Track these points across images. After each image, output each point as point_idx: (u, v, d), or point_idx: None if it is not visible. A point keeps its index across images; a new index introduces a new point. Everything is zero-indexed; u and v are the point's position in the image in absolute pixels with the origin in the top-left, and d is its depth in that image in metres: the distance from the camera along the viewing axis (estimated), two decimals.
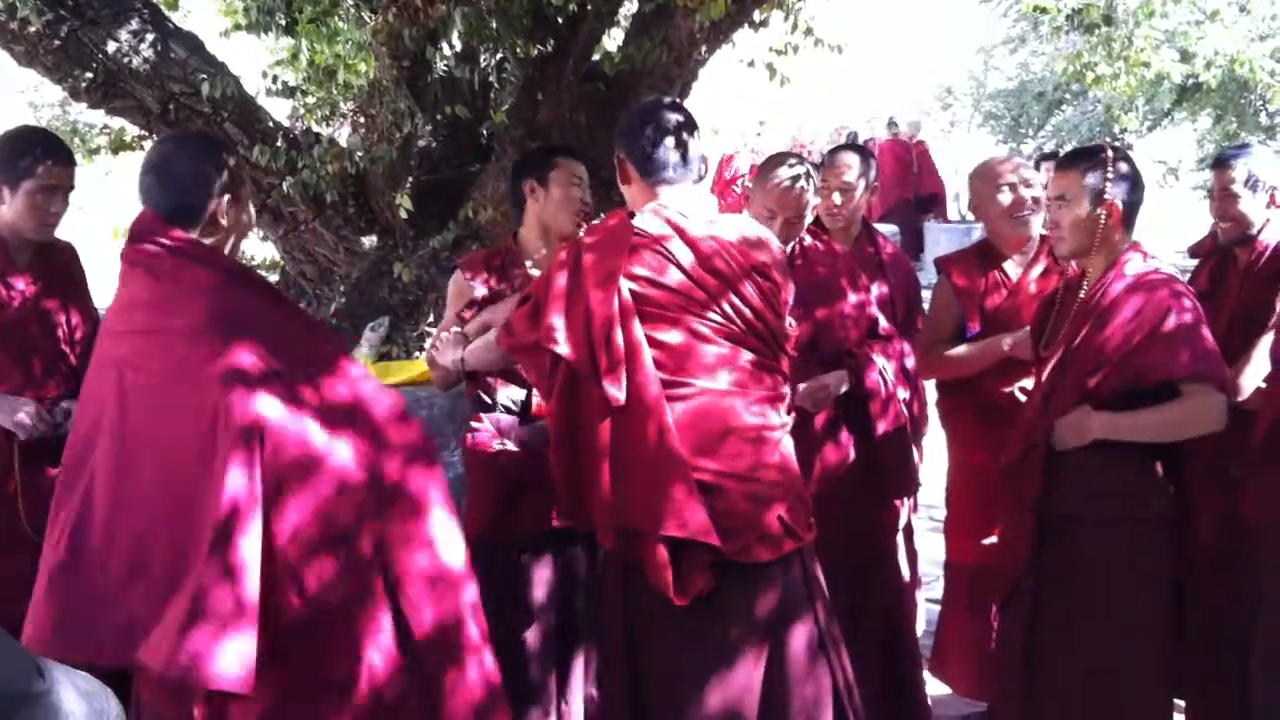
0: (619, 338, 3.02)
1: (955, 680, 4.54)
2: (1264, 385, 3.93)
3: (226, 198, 2.97)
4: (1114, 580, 3.48)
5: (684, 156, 3.26)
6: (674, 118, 3.27)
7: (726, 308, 3.12)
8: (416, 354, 5.23)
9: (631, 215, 3.20)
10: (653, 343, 3.05)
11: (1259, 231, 4.16)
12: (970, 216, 20.73)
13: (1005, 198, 4.31)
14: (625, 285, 3.05)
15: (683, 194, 3.26)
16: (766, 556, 3.07)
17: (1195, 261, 4.67)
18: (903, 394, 4.24)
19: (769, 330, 3.19)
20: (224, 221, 2.97)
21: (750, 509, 3.06)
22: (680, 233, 3.13)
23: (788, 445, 3.23)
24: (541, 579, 3.90)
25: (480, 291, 3.98)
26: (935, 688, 4.58)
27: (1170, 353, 3.40)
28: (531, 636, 3.88)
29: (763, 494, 3.09)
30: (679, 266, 3.10)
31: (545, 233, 4.05)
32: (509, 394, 3.93)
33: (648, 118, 3.28)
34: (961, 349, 4.32)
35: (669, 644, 3.09)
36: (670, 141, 3.24)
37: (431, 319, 5.43)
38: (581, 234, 3.54)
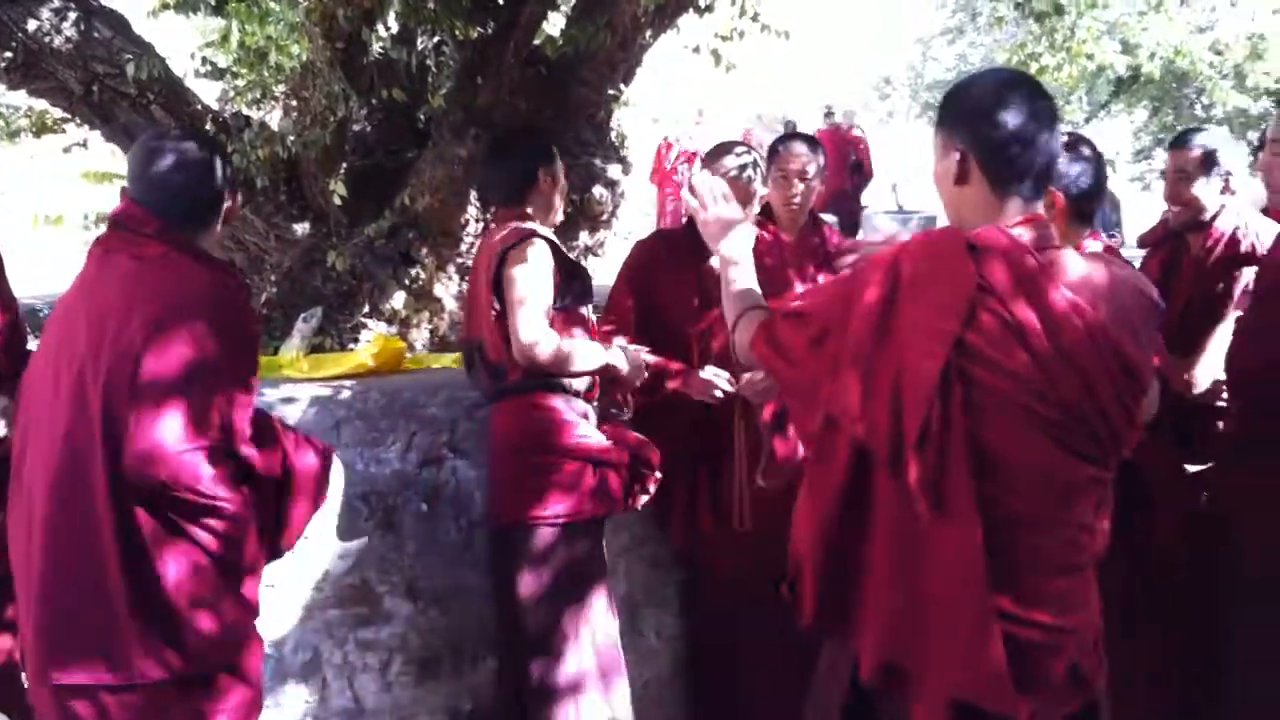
0: (938, 428, 2.30)
1: None
2: (1221, 380, 3.88)
3: (232, 201, 3.01)
4: None
5: (1045, 160, 2.47)
6: (1043, 105, 2.46)
7: (1073, 405, 2.35)
8: (351, 345, 5.08)
9: (971, 247, 2.38)
10: (973, 440, 2.32)
11: (1212, 219, 4.11)
12: (907, 206, 20.91)
13: None
14: (956, 357, 2.30)
15: (1038, 219, 2.47)
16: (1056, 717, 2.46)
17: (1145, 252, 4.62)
18: None
19: (1112, 435, 2.43)
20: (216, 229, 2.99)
21: (1051, 665, 2.41)
22: (1034, 287, 2.34)
23: (1093, 579, 2.51)
24: (594, 561, 3.93)
25: None
26: None
27: None
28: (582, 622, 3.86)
29: (1066, 645, 2.42)
30: (1025, 342, 2.32)
31: (543, 222, 4.00)
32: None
33: (1013, 99, 2.44)
34: None
35: None
36: (1035, 137, 2.43)
37: (366, 309, 5.27)
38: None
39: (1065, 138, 3.59)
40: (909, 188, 23.52)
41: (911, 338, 2.32)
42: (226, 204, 2.99)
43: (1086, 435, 2.37)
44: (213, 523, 2.77)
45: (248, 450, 2.89)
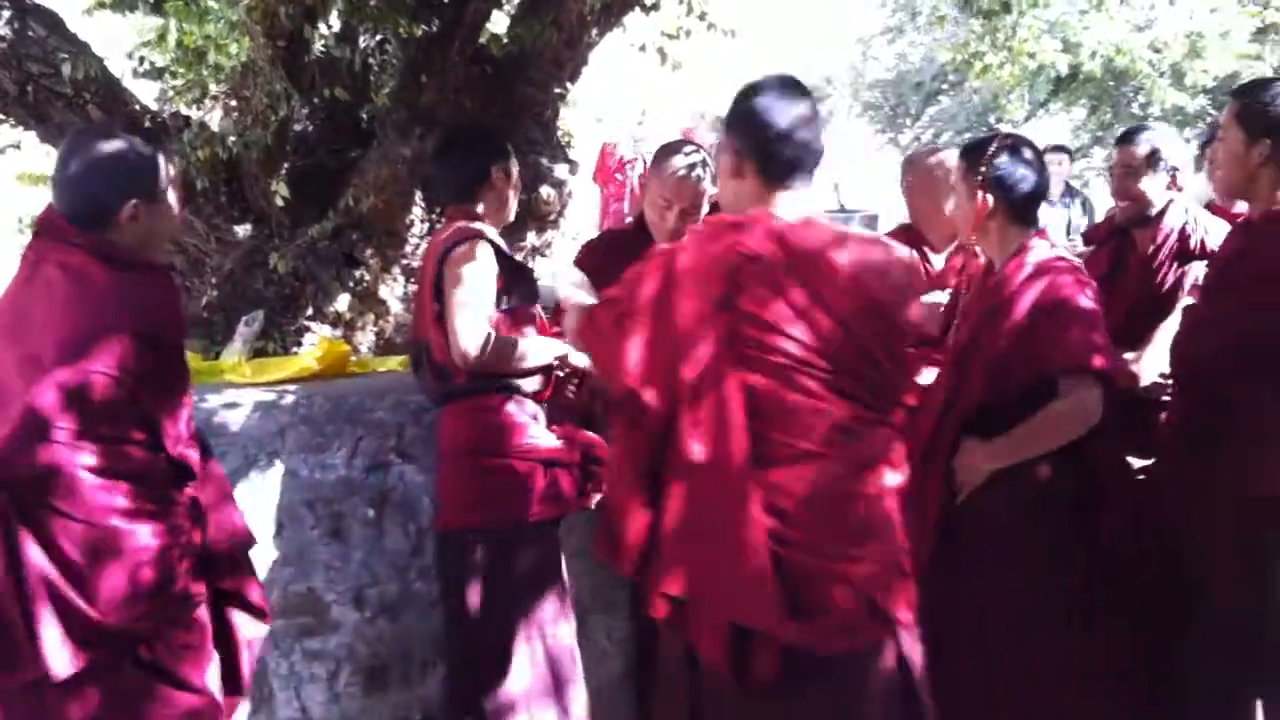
0: (709, 383, 2.63)
1: None
2: (1165, 379, 3.90)
3: (134, 201, 2.83)
4: (1019, 583, 3.48)
5: (815, 156, 2.85)
6: (804, 103, 2.85)
7: (838, 356, 2.69)
8: (294, 349, 5.00)
9: (738, 226, 2.75)
10: (745, 390, 2.64)
11: (1159, 215, 4.13)
12: (848, 205, 21.01)
13: (938, 194, 4.24)
14: (725, 319, 2.65)
15: (800, 203, 2.83)
16: (850, 646, 2.67)
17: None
18: None
19: (883, 379, 2.78)
20: (135, 224, 2.85)
21: (837, 592, 2.65)
22: (796, 257, 2.70)
23: (889, 510, 2.77)
24: (542, 567, 3.87)
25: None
26: None
27: (1077, 341, 3.38)
28: (532, 627, 3.82)
29: (851, 572, 2.66)
30: (789, 301, 2.66)
31: (495, 221, 3.97)
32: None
33: (780, 102, 2.82)
34: None
35: None
36: (801, 136, 2.81)
37: (310, 312, 5.19)
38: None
39: (1008, 140, 3.61)
40: (850, 186, 23.59)
41: (686, 304, 2.65)
42: (132, 202, 2.84)
43: (853, 378, 2.70)
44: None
45: (186, 452, 2.83)
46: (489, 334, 3.68)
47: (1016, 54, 9.99)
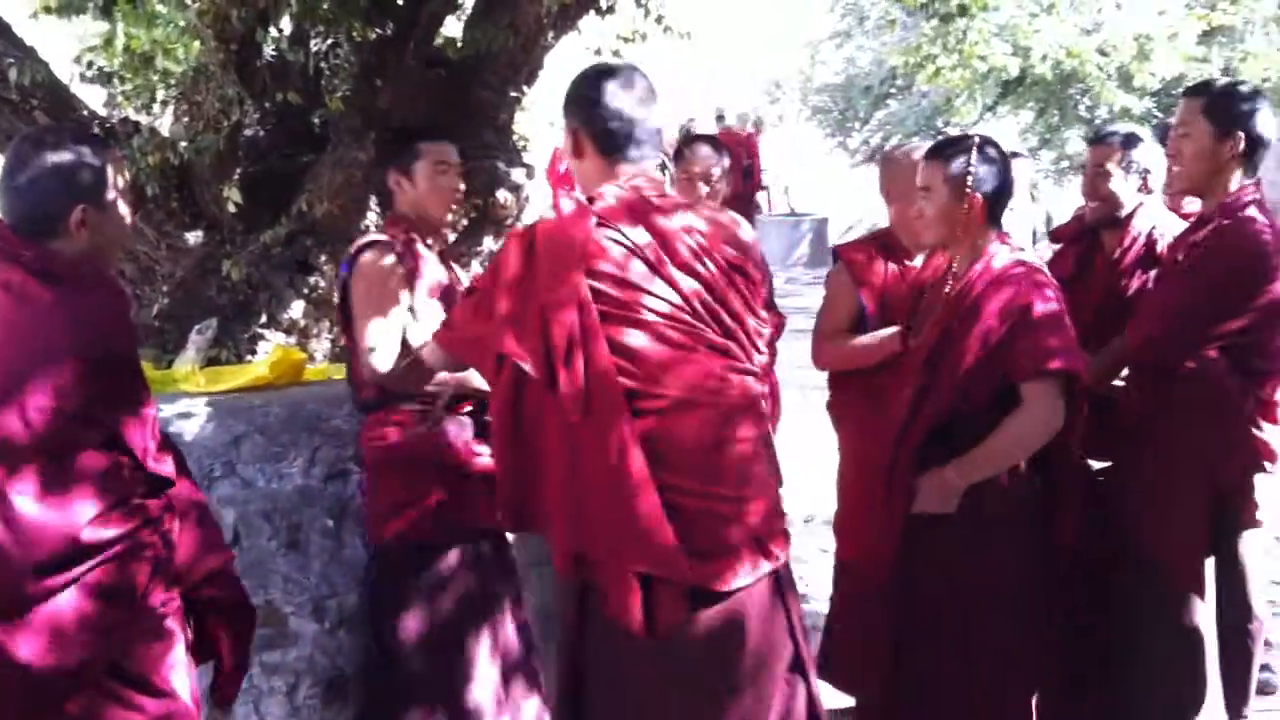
0: (578, 342, 2.74)
1: (844, 682, 4.40)
2: (1122, 383, 3.93)
3: (81, 206, 2.74)
4: (983, 579, 3.49)
5: (648, 130, 2.99)
6: (639, 84, 3.01)
7: (699, 309, 2.84)
8: (248, 357, 4.93)
9: (591, 200, 2.90)
10: (615, 348, 2.76)
11: (1129, 217, 4.14)
12: (798, 209, 21.11)
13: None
14: (586, 282, 2.76)
15: (643, 173, 2.98)
16: (742, 581, 2.80)
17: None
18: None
19: (744, 332, 2.93)
20: (85, 231, 2.75)
21: (732, 533, 2.80)
22: (648, 222, 2.86)
23: (763, 454, 2.94)
24: (462, 578, 3.76)
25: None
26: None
27: (1037, 346, 3.39)
28: (455, 642, 3.73)
29: (737, 512, 2.82)
30: (646, 261, 2.82)
31: (419, 222, 3.86)
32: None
33: (609, 82, 2.98)
34: (864, 338, 4.16)
35: (632, 680, 2.83)
36: (633, 111, 2.96)
37: (264, 319, 5.12)
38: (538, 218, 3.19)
39: (983, 140, 3.62)
40: (800, 190, 23.72)
41: (549, 272, 2.77)
42: (80, 208, 2.75)
43: (718, 331, 2.85)
44: None
45: (158, 466, 2.77)
46: (394, 346, 3.65)
47: (967, 57, 10.09)
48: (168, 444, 2.95)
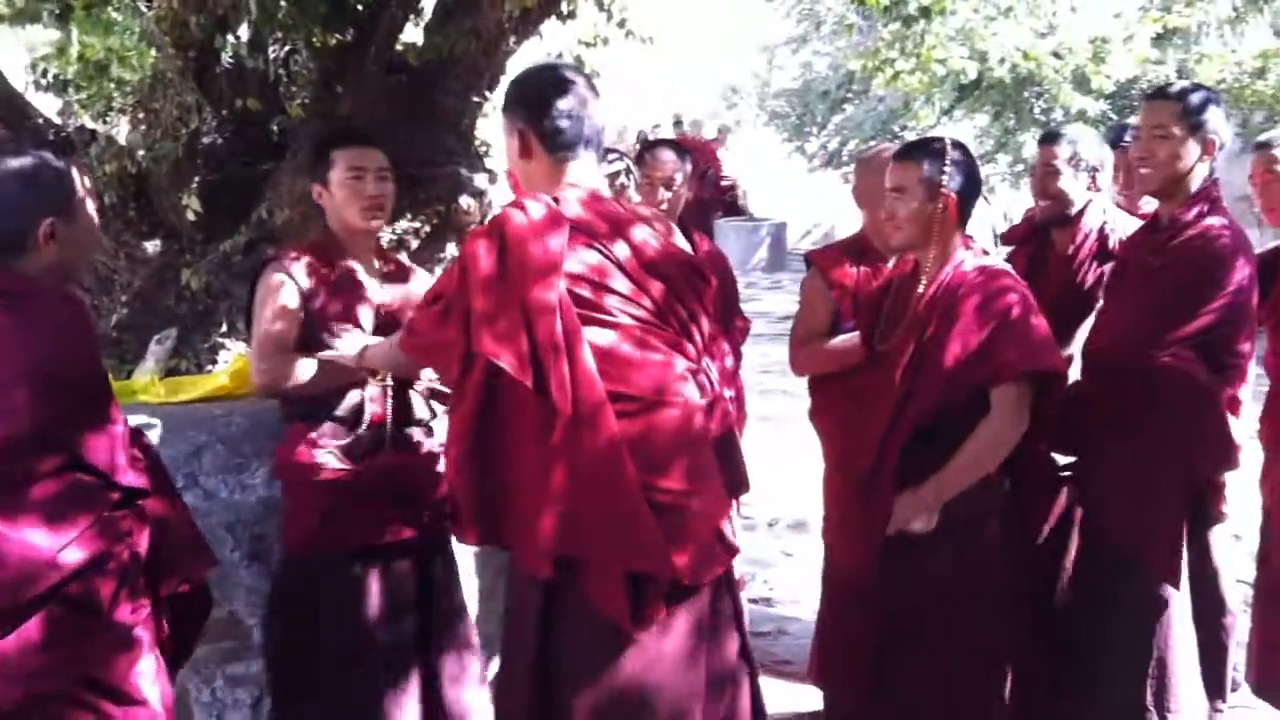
0: (563, 343, 2.75)
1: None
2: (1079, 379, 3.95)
3: (50, 219, 2.67)
4: (959, 581, 3.50)
5: (594, 129, 3.01)
6: (582, 83, 3.03)
7: (665, 309, 2.91)
8: (209, 367, 4.88)
9: (551, 199, 2.89)
10: (592, 350, 2.78)
11: (1079, 214, 4.18)
12: (756, 214, 21.15)
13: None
14: (564, 284, 2.78)
15: (592, 173, 3.02)
16: (713, 572, 2.92)
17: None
18: (727, 393, 4.15)
19: (700, 333, 3.02)
20: (54, 244, 2.68)
21: (701, 527, 2.87)
22: (613, 224, 2.90)
23: (714, 449, 3.02)
24: (369, 597, 3.62)
25: (306, 286, 3.64)
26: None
27: (1017, 348, 3.42)
28: (361, 658, 3.60)
29: (707, 510, 2.90)
30: (615, 260, 2.86)
31: (344, 234, 3.75)
32: (338, 401, 3.63)
33: (555, 82, 3.00)
34: (839, 340, 4.16)
35: (610, 672, 2.85)
36: (580, 110, 2.97)
37: (224, 329, 5.08)
38: (493, 218, 3.08)
39: (954, 142, 3.64)
40: (758, 195, 23.73)
41: (527, 281, 2.75)
42: (49, 221, 2.66)
43: (680, 332, 2.93)
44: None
45: (128, 479, 2.73)
46: (265, 361, 3.63)
47: (925, 60, 10.13)
48: (148, 453, 2.92)
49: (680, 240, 3.10)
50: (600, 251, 2.85)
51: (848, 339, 4.07)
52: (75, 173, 2.77)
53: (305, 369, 3.58)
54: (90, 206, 2.81)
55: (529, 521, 2.83)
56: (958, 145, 3.62)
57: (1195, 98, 3.71)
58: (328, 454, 3.58)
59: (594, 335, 2.80)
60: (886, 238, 3.82)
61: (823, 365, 4.23)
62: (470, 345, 2.80)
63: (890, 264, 4.16)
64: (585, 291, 2.81)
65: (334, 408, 3.62)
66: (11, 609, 2.53)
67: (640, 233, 2.93)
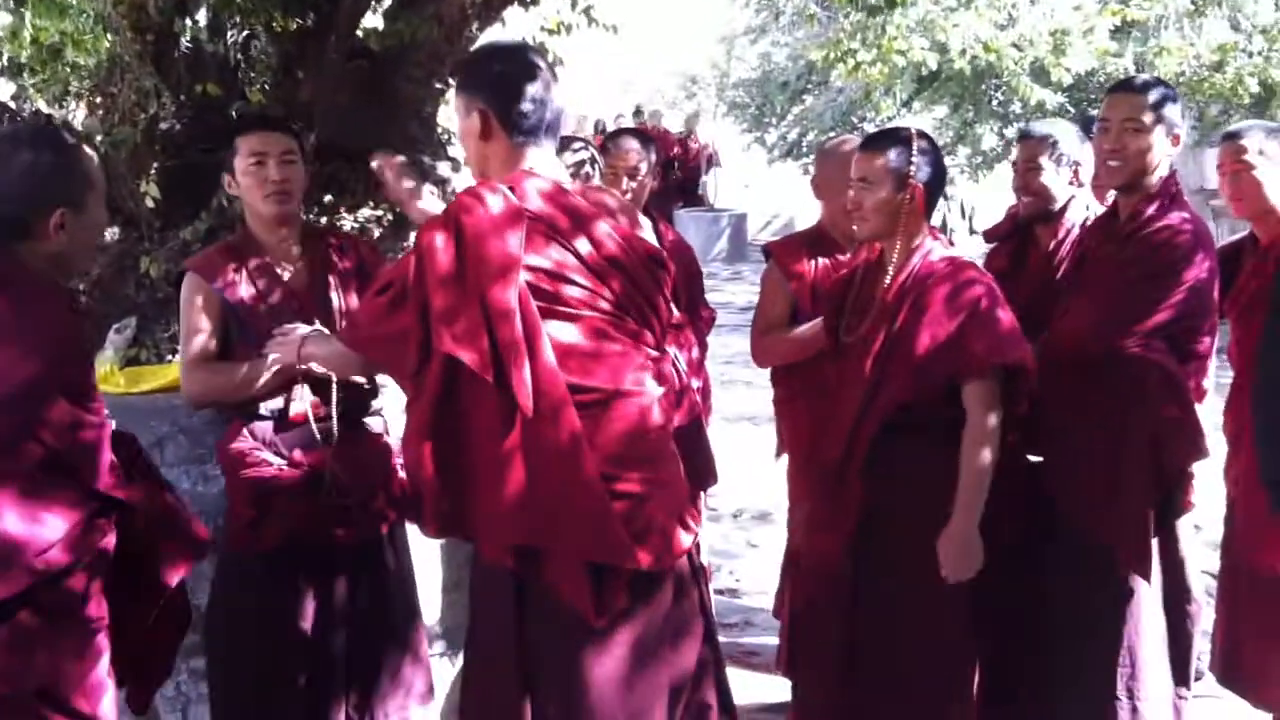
0: (522, 337, 2.71)
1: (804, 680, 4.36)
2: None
3: (60, 209, 2.68)
4: (926, 574, 3.49)
5: (555, 112, 2.95)
6: (541, 64, 2.95)
7: (625, 301, 2.87)
8: (169, 357, 4.80)
9: (508, 186, 2.82)
10: (551, 342, 2.75)
11: (1062, 210, 4.17)
12: (717, 204, 21.17)
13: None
14: (522, 275, 2.74)
15: (551, 160, 2.97)
16: (674, 561, 2.93)
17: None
18: (694, 383, 4.15)
19: (660, 324, 3.00)
20: (63, 234, 2.70)
21: (661, 516, 2.86)
22: (570, 211, 2.85)
23: (671, 442, 3.02)
24: (301, 594, 3.55)
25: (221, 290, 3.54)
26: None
27: (985, 341, 3.43)
28: (290, 658, 3.54)
29: (670, 498, 2.90)
30: (575, 253, 2.82)
31: (258, 224, 3.67)
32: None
33: (522, 64, 2.92)
34: (800, 330, 4.17)
35: (577, 663, 2.83)
36: (544, 94, 2.90)
37: None
38: (443, 208, 3.12)
39: (911, 130, 3.63)
40: (717, 186, 23.75)
41: (487, 279, 2.70)
42: (59, 211, 2.68)
43: (639, 322, 2.90)
44: None
45: (108, 486, 2.70)
46: (187, 373, 3.58)
47: (886, 51, 10.14)
48: (135, 448, 2.90)
49: (645, 230, 3.07)
50: (561, 244, 2.81)
51: (808, 328, 4.08)
52: (91, 166, 2.82)
53: (236, 378, 3.50)
54: (102, 202, 2.84)
55: (491, 513, 2.82)
56: (923, 135, 3.63)
57: (1161, 90, 3.74)
58: (260, 448, 3.53)
59: (554, 330, 2.77)
60: (851, 228, 3.80)
61: (784, 355, 4.24)
62: (429, 338, 2.76)
63: (848, 255, 4.16)
64: (545, 285, 2.77)
65: (259, 405, 3.56)
66: None
67: (600, 225, 2.88)
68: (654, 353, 2.97)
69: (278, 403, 3.55)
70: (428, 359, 2.78)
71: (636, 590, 2.85)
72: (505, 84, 2.88)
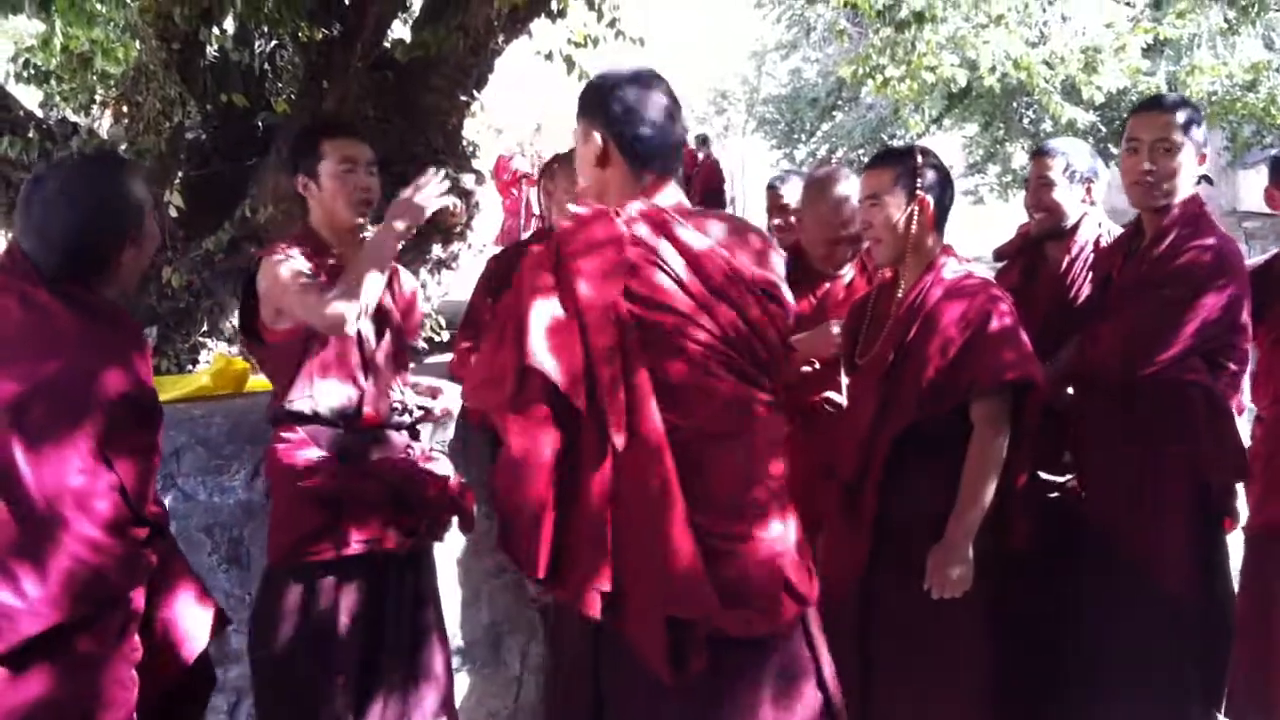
0: (619, 364, 2.54)
1: None
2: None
3: (127, 242, 2.71)
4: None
5: (676, 142, 2.78)
6: (663, 91, 2.79)
7: (733, 336, 2.65)
8: (189, 367, 4.80)
9: (616, 214, 2.65)
10: (651, 375, 2.56)
11: (1074, 227, 4.13)
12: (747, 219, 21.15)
13: (837, 220, 4.18)
14: (624, 303, 2.56)
15: (670, 188, 2.77)
16: (768, 628, 2.65)
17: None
18: None
19: (774, 363, 2.75)
20: (129, 264, 2.74)
21: (757, 575, 2.63)
22: (679, 242, 2.66)
23: (786, 493, 2.78)
24: (355, 605, 3.50)
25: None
26: None
27: (995, 358, 3.37)
28: (337, 669, 3.47)
29: (769, 556, 2.65)
30: (681, 285, 2.62)
31: (330, 229, 3.58)
32: (331, 402, 3.49)
33: (644, 90, 2.75)
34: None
35: (648, 718, 2.65)
36: (665, 122, 2.74)
37: (205, 328, 5.00)
38: (549, 236, 2.93)
39: (928, 150, 3.61)
40: (746, 201, 23.75)
41: (587, 295, 2.56)
42: (129, 248, 2.71)
43: (750, 360, 2.67)
44: None
45: (155, 510, 2.70)
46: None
47: (916, 68, 10.10)
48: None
49: (770, 256, 2.81)
50: (665, 273, 2.62)
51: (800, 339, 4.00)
52: (143, 191, 2.80)
53: (361, 271, 3.34)
54: (154, 225, 2.83)
55: (577, 551, 2.60)
56: (928, 152, 3.61)
57: (1188, 109, 3.68)
58: (319, 456, 3.48)
59: (654, 363, 2.59)
60: (824, 255, 3.75)
61: None
62: (522, 360, 2.56)
63: (848, 276, 4.10)
64: (646, 315, 2.59)
65: (323, 409, 3.50)
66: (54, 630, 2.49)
67: (710, 254, 2.67)
68: (764, 394, 2.73)
69: (341, 406, 3.51)
70: (526, 383, 2.59)
71: (723, 654, 2.61)
72: (625, 110, 2.74)
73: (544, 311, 2.57)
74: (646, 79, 2.80)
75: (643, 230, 2.64)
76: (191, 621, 2.87)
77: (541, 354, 2.54)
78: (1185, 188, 3.67)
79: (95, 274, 2.70)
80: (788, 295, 2.79)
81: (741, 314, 2.67)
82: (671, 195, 2.76)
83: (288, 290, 3.37)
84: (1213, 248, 3.60)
